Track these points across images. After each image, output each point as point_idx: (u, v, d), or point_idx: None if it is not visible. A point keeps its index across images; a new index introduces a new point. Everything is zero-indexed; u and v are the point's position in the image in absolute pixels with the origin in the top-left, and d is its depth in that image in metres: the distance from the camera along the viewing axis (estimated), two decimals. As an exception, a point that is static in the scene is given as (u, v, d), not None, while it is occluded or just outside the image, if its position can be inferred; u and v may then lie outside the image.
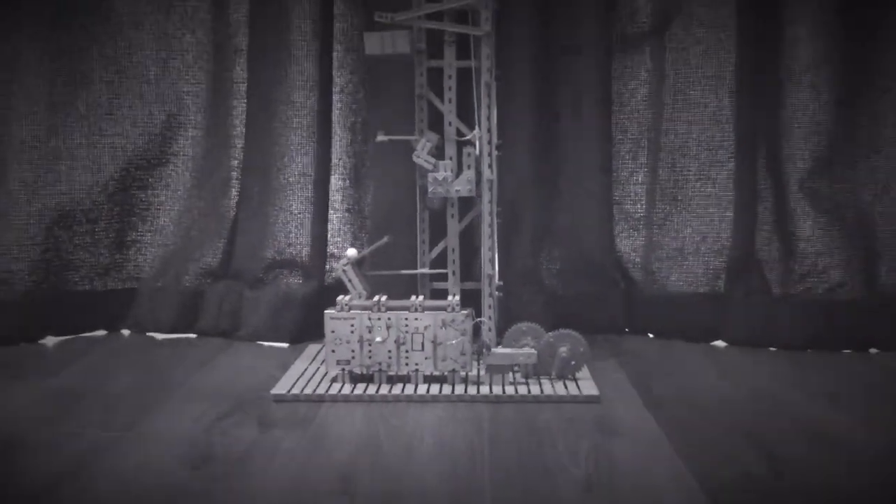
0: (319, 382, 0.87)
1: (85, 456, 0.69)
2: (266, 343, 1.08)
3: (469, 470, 0.67)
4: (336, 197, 1.11)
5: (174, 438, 0.73)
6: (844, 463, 0.67)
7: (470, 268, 1.00)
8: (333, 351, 0.86)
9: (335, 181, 1.10)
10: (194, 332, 1.12)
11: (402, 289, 0.92)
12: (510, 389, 0.85)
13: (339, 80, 1.09)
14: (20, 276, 1.05)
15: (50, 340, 1.09)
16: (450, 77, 0.91)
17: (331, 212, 1.11)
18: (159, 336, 1.12)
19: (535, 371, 0.88)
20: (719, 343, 1.07)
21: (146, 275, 1.13)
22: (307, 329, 1.07)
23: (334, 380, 0.87)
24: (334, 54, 1.08)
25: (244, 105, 1.10)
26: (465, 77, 0.91)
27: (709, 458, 0.68)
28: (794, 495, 0.62)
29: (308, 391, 0.84)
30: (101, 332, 1.13)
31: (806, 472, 0.66)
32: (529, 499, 0.61)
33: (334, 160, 1.10)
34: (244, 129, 1.10)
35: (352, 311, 0.86)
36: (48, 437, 0.73)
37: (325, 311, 0.86)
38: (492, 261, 0.89)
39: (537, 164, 1.07)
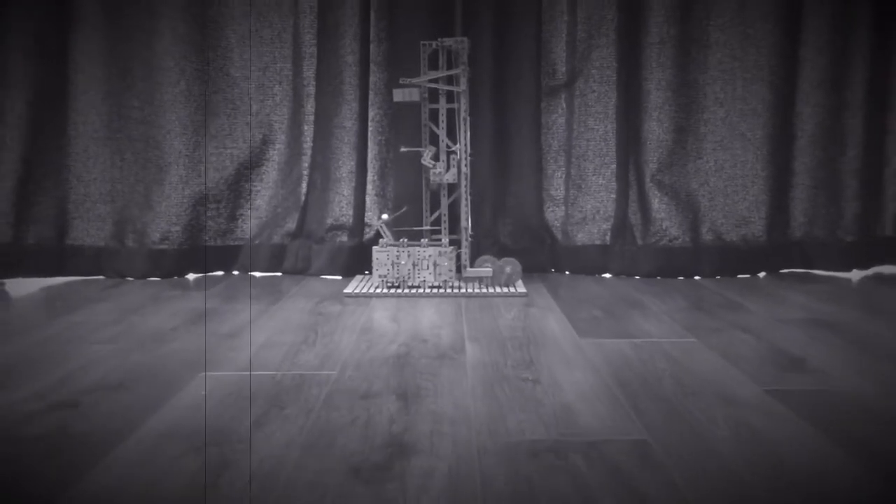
0: (368, 288, 1.52)
1: (259, 314, 1.34)
2: (327, 276, 1.73)
3: (454, 320, 1.32)
4: (369, 187, 1.75)
5: (300, 309, 1.38)
6: (649, 317, 1.33)
7: (454, 226, 1.65)
8: (377, 270, 1.52)
9: (369, 176, 1.74)
10: (280, 272, 1.77)
11: (414, 237, 1.58)
12: (477, 290, 1.51)
13: (371, 113, 1.74)
14: (176, 235, 1.69)
15: (191, 276, 1.74)
16: (442, 114, 1.57)
17: (366, 196, 1.75)
18: (258, 274, 1.77)
19: (492, 282, 1.54)
20: (606, 275, 1.74)
21: (247, 236, 1.78)
22: (353, 267, 1.72)
23: (377, 287, 1.52)
24: (369, 97, 1.73)
25: (312, 129, 1.75)
26: (451, 113, 1.57)
27: (577, 314, 1.34)
28: (619, 324, 1.28)
29: (364, 292, 1.50)
30: (220, 273, 1.78)
31: (623, 317, 1.32)
32: (486, 331, 1.26)
33: (368, 163, 1.75)
34: (312, 144, 1.75)
35: (387, 247, 1.51)
36: (229, 310, 1.38)
37: (373, 248, 1.52)
38: (467, 222, 1.55)
39: (495, 166, 1.74)
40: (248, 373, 0.98)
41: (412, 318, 1.32)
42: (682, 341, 1.13)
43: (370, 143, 1.73)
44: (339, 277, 1.72)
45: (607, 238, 1.73)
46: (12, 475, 0.66)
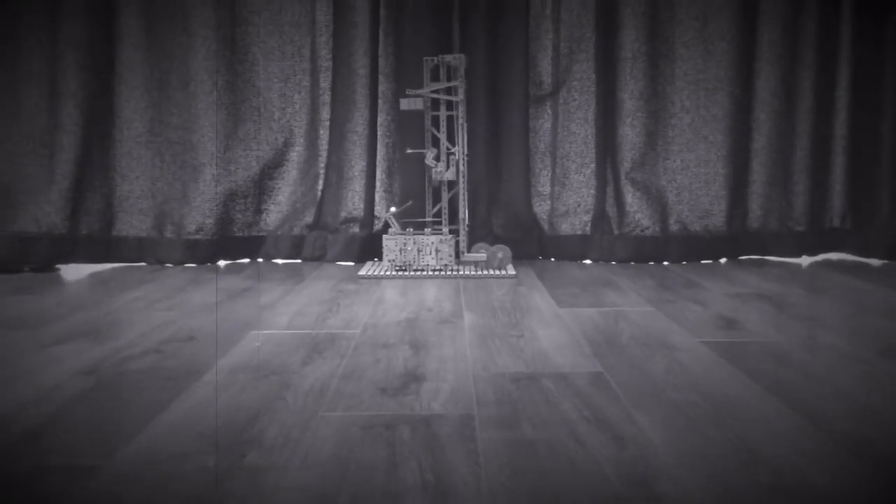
0: (379, 271, 1.76)
1: (287, 291, 1.57)
2: (342, 262, 1.97)
3: (453, 296, 1.55)
4: (378, 184, 1.99)
5: (322, 287, 1.62)
6: (619, 293, 1.57)
7: (453, 217, 1.89)
8: (387, 255, 1.75)
9: (378, 174, 1.98)
10: (299, 259, 2.00)
11: (418, 227, 1.81)
12: (473, 272, 1.74)
13: (380, 119, 1.98)
14: (209, 227, 1.93)
15: (222, 263, 1.97)
16: (443, 120, 1.80)
17: (376, 192, 1.99)
18: (280, 261, 2.00)
19: (486, 265, 1.78)
20: (587, 261, 1.98)
21: (270, 228, 2.01)
22: (364, 254, 1.96)
23: (386, 270, 1.76)
24: (378, 105, 1.97)
25: (328, 133, 1.99)
26: (450, 119, 1.81)
27: (558, 291, 1.58)
28: (593, 297, 1.52)
29: (375, 273, 1.73)
30: (246, 260, 2.01)
31: (597, 293, 1.56)
32: (481, 303, 1.50)
33: (378, 163, 1.99)
34: (327, 147, 1.99)
35: (395, 236, 1.75)
36: (262, 288, 1.61)
37: (383, 236, 1.75)
38: (464, 214, 1.79)
39: (489, 165, 1.98)
40: (288, 331, 1.21)
41: (418, 294, 1.55)
42: (642, 309, 1.38)
43: (379, 146, 1.97)
44: (352, 263, 1.95)
45: (587, 228, 1.97)
46: (125, 397, 0.90)
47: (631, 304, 1.42)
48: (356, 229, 1.97)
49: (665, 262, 1.94)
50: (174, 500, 0.62)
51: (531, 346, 1.12)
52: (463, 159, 1.77)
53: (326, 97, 1.98)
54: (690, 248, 1.95)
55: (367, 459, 0.70)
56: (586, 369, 0.99)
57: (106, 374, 0.98)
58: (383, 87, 1.96)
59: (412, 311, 1.37)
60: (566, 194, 1.98)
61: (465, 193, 1.79)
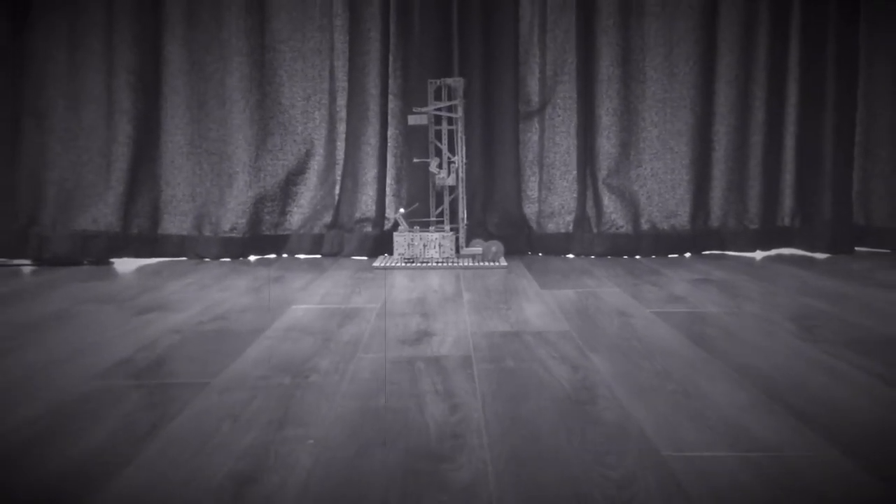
0: (391, 263, 2.06)
1: (314, 279, 1.87)
2: (356, 257, 2.26)
3: (454, 281, 1.85)
4: (388, 189, 2.29)
5: (342, 276, 1.91)
6: (593, 279, 1.87)
7: (454, 217, 2.19)
8: (397, 249, 2.05)
9: (388, 180, 2.28)
10: (319, 255, 2.30)
11: (424, 226, 2.11)
12: (471, 264, 2.04)
13: (390, 132, 2.28)
14: (241, 227, 2.22)
15: (252, 257, 2.27)
16: (444, 134, 2.10)
17: (386, 196, 2.29)
18: (302, 256, 2.30)
19: (481, 258, 2.08)
20: (569, 255, 2.28)
21: (294, 227, 2.31)
22: (377, 250, 2.25)
23: (396, 262, 2.06)
24: (388, 120, 2.27)
25: (344, 145, 2.29)
26: (451, 133, 2.11)
27: (542, 278, 1.88)
28: (571, 282, 1.81)
29: (387, 265, 2.03)
30: (272, 256, 2.31)
31: (575, 279, 1.85)
32: (477, 287, 1.79)
33: (388, 171, 2.28)
34: (344, 156, 2.29)
35: (404, 233, 2.05)
36: (291, 276, 1.91)
37: (394, 233, 2.05)
38: (463, 214, 2.09)
39: (485, 172, 2.28)
40: (322, 305, 1.51)
41: (424, 280, 1.85)
42: (609, 290, 1.67)
43: (389, 156, 2.27)
44: (366, 258, 2.25)
45: (570, 227, 2.27)
46: (210, 346, 1.20)
47: (601, 286, 1.72)
48: (369, 228, 2.27)
49: (637, 256, 2.24)
50: (267, 401, 0.92)
51: (516, 314, 1.42)
52: (462, 167, 2.07)
53: (343, 113, 2.28)
54: (659, 244, 2.24)
55: (396, 378, 1.00)
56: (558, 328, 1.29)
57: (189, 332, 1.27)
58: (392, 105, 2.26)
59: (420, 293, 1.67)
60: (552, 198, 2.28)
61: (464, 197, 2.08)
